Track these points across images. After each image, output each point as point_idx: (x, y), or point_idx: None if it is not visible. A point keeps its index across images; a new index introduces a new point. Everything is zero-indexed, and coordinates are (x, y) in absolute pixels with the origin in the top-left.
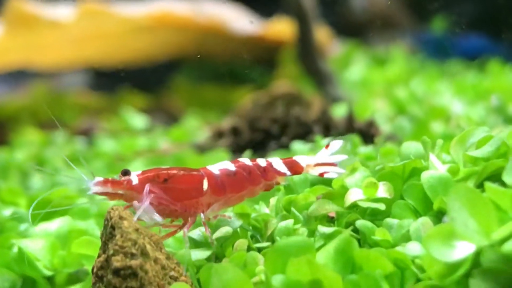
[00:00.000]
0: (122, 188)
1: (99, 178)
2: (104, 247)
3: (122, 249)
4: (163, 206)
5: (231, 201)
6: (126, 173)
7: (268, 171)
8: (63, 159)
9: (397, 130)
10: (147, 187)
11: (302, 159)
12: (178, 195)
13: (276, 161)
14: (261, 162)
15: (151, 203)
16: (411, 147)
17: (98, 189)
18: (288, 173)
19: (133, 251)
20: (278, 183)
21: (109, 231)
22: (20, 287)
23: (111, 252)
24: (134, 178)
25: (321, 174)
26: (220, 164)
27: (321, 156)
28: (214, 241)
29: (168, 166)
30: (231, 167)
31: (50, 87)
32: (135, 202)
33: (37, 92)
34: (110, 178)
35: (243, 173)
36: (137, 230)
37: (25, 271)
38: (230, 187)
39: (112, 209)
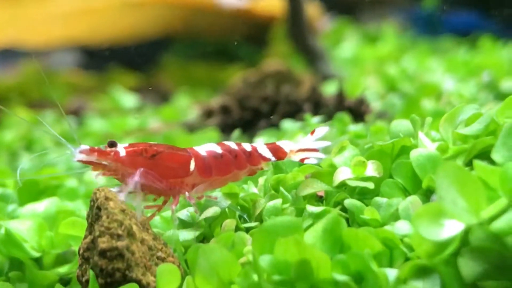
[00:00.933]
0: (108, 159)
1: (85, 146)
2: (90, 228)
3: (108, 230)
4: (149, 182)
5: (215, 183)
6: (112, 144)
7: (253, 155)
8: (52, 139)
9: (388, 108)
10: (139, 171)
11: (285, 145)
12: (165, 172)
13: (261, 146)
14: (247, 146)
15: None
16: (401, 125)
17: (83, 157)
18: (273, 158)
19: (119, 232)
20: (261, 168)
21: (95, 212)
22: (8, 269)
23: (97, 233)
24: (122, 150)
25: (302, 160)
26: (207, 146)
27: (305, 142)
28: (200, 220)
29: (156, 143)
30: (218, 149)
31: (39, 66)
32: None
33: (27, 71)
34: (96, 147)
35: (229, 156)
36: (123, 211)
37: (12, 252)
38: (216, 170)
39: (98, 189)
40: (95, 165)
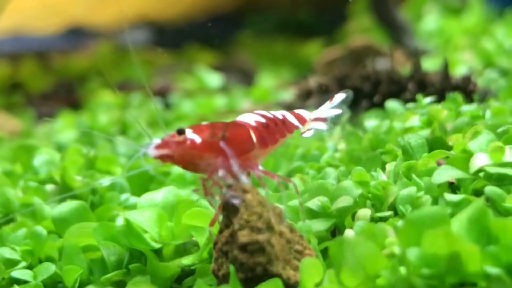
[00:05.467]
0: (186, 148)
1: (158, 140)
2: (226, 221)
3: (247, 223)
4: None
5: (266, 155)
6: (181, 132)
7: (287, 123)
8: (145, 122)
9: (488, 84)
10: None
11: (304, 113)
12: (236, 150)
13: (288, 114)
14: (278, 114)
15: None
16: None
17: (160, 152)
18: (300, 126)
19: (259, 225)
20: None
21: (231, 204)
22: (127, 261)
23: (236, 226)
24: (196, 137)
25: (305, 132)
26: (250, 116)
27: (320, 111)
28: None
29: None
30: (261, 119)
31: (114, 45)
32: (221, 171)
33: (101, 50)
34: (168, 140)
35: (272, 124)
36: (261, 203)
37: (132, 243)
38: (268, 139)
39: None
40: (166, 159)
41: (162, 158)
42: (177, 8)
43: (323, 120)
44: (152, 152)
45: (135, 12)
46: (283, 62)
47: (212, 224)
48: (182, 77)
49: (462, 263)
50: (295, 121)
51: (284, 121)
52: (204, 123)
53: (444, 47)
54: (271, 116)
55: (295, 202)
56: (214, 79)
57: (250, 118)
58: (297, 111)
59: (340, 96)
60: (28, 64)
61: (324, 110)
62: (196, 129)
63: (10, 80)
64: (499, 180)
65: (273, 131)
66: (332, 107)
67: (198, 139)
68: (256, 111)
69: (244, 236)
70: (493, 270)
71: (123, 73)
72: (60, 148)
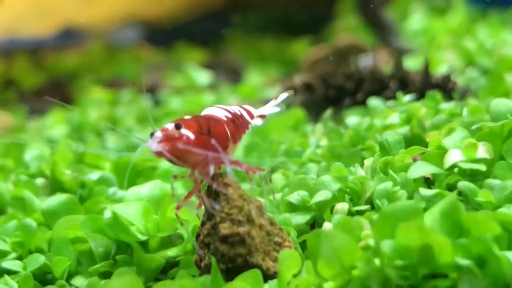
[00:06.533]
0: (183, 144)
1: (159, 134)
2: (209, 214)
3: (228, 216)
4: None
5: (234, 151)
6: (179, 126)
7: (244, 118)
8: (134, 118)
9: (469, 83)
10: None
11: (252, 109)
12: (220, 144)
13: (242, 110)
14: (236, 109)
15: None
16: (501, 104)
17: (163, 147)
18: (252, 122)
19: (240, 218)
20: None
21: (213, 198)
22: (114, 252)
23: (217, 219)
24: (189, 133)
25: None
26: (217, 111)
27: (265, 108)
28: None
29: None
30: (227, 113)
31: (104, 43)
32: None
33: (93, 48)
34: (165, 134)
35: (237, 120)
36: (241, 196)
37: (119, 236)
38: (237, 135)
39: (216, 175)
40: (161, 154)
41: (159, 153)
42: (167, 6)
43: (263, 117)
44: (154, 146)
45: (125, 11)
46: (271, 60)
47: (199, 207)
48: (172, 74)
49: (434, 255)
50: (248, 117)
51: (242, 116)
52: (187, 117)
53: (428, 47)
54: (233, 112)
55: (277, 196)
56: (202, 76)
57: (219, 113)
58: (246, 107)
59: (283, 95)
60: (21, 62)
61: (269, 107)
62: (185, 124)
63: (3, 77)
64: (472, 175)
65: (238, 126)
66: (275, 105)
67: (191, 135)
68: (218, 105)
69: (225, 229)
70: (464, 261)
71: (113, 71)
72: (51, 143)
